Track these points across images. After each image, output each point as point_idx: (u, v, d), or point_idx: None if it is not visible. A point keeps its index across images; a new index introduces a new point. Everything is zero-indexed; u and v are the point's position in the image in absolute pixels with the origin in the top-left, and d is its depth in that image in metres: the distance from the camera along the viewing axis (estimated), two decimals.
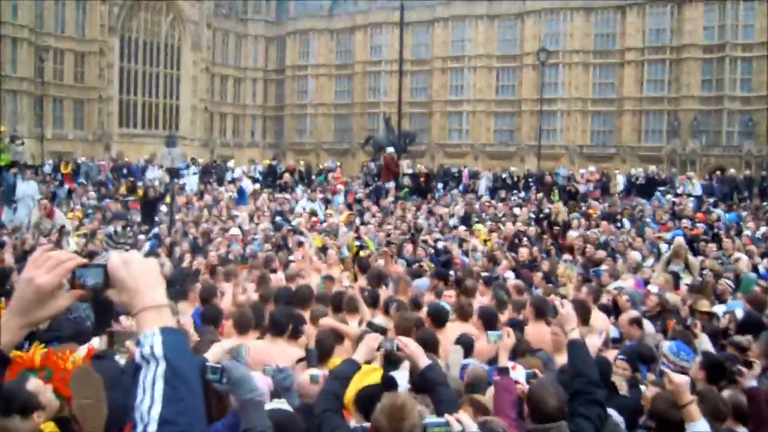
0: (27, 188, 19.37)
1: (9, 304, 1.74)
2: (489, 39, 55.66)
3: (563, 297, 7.82)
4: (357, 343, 4.55)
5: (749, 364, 5.47)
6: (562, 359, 5.14)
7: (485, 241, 15.87)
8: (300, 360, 5.19)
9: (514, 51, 55.00)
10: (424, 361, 4.01)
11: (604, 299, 9.07)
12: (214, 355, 3.82)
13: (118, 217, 18.40)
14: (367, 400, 4.05)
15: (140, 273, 1.64)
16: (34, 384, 3.45)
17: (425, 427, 3.13)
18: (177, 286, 9.07)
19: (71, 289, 1.72)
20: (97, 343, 4.90)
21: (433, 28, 57.31)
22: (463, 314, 7.36)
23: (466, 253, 14.24)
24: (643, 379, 5.68)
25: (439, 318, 6.82)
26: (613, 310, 8.46)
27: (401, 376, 4.77)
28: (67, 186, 25.41)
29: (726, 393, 4.99)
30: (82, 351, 4.26)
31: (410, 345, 4.07)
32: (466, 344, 6.03)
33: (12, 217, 18.01)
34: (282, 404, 3.97)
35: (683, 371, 5.35)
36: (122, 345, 2.81)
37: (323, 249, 13.30)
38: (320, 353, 5.35)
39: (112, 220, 17.79)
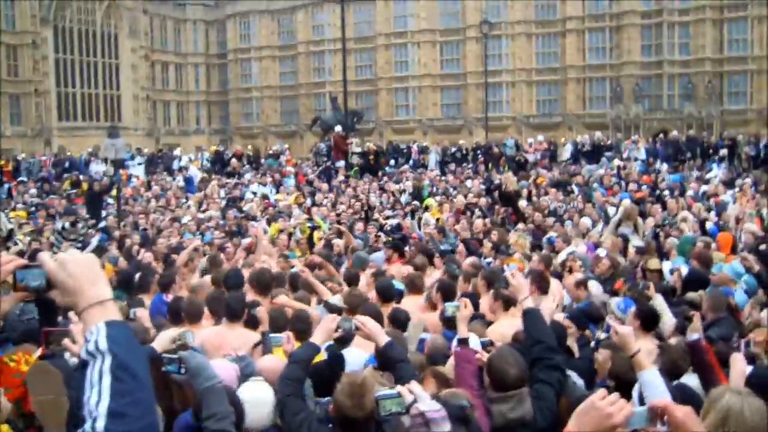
0: None
1: None
2: (431, 13, 55.57)
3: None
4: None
5: (689, 319, 5.69)
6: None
7: (437, 215, 15.96)
8: (257, 344, 5.14)
9: (457, 24, 55.06)
10: (383, 338, 4.01)
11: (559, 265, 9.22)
12: (160, 344, 3.79)
13: (68, 212, 17.96)
14: (316, 378, 4.07)
15: (78, 271, 1.64)
16: None
17: (377, 400, 3.16)
18: (134, 279, 8.91)
19: (14, 291, 1.72)
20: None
21: (374, 5, 56.96)
22: (415, 288, 7.41)
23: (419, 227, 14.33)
24: (593, 337, 5.81)
25: (387, 294, 6.82)
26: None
27: (355, 354, 4.77)
28: (7, 184, 24.71)
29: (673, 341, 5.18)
30: (37, 352, 4.18)
31: (368, 323, 4.07)
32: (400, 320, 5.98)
33: None
34: (259, 381, 3.94)
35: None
36: (58, 344, 2.75)
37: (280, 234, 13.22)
38: (274, 331, 5.31)
39: (61, 216, 17.37)
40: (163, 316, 6.52)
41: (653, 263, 8.63)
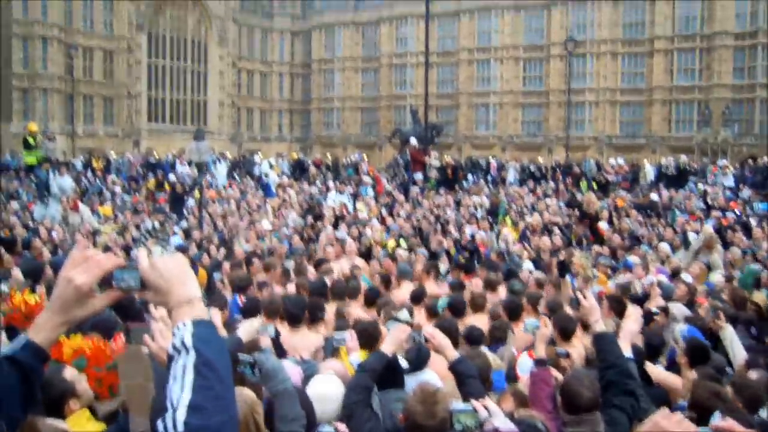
0: (62, 184, 19.67)
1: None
2: (515, 30, 55.24)
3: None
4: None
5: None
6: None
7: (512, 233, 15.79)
8: (320, 348, 5.20)
9: (541, 41, 54.52)
10: (452, 353, 4.00)
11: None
12: (244, 332, 3.87)
13: (157, 211, 18.60)
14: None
15: (169, 272, 1.71)
16: (69, 372, 3.52)
17: (452, 413, 3.14)
18: (212, 278, 9.17)
19: (107, 289, 1.78)
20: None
21: (459, 20, 56.97)
22: (476, 306, 7.38)
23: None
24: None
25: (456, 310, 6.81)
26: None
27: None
28: (98, 181, 25.74)
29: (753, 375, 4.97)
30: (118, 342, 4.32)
31: (438, 336, 4.06)
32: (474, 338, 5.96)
33: (44, 212, 18.28)
34: (329, 376, 3.98)
35: None
36: (139, 340, 2.85)
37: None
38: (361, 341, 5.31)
39: (150, 215, 18.00)
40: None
41: (758, 296, 8.24)
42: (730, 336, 6.14)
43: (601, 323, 4.29)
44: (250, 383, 3.73)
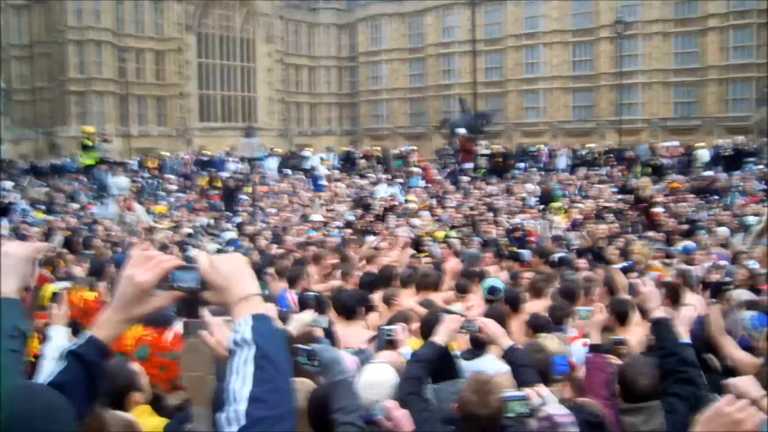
0: (118, 183, 20.18)
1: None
2: (563, 13, 54.30)
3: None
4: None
5: None
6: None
7: (564, 219, 15.57)
8: (371, 339, 5.21)
9: (590, 24, 53.47)
10: (506, 341, 3.99)
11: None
12: (294, 326, 3.91)
13: (212, 208, 18.92)
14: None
15: (228, 270, 1.78)
16: (133, 367, 3.63)
17: (504, 401, 3.14)
18: (263, 272, 9.28)
19: (168, 289, 1.84)
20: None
21: (505, 6, 56.29)
22: (536, 292, 7.32)
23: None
24: None
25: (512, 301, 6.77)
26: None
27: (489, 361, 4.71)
28: (154, 180, 26.30)
29: None
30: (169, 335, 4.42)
31: (491, 326, 4.06)
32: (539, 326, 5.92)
33: (104, 212, 18.76)
34: (381, 364, 4.00)
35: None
36: (195, 334, 2.92)
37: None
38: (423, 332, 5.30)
39: (206, 212, 18.31)
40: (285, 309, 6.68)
41: None
42: None
43: (660, 310, 4.21)
44: (308, 374, 3.78)
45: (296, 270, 8.28)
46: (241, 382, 1.57)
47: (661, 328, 4.12)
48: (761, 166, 22.80)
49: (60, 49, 49.28)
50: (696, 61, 50.54)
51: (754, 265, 8.97)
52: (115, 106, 49.94)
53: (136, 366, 3.70)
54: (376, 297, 6.95)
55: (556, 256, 10.43)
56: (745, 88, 48.92)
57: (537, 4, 54.95)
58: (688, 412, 3.69)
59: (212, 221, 13.16)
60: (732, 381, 3.76)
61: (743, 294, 7.42)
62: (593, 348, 4.19)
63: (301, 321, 4.04)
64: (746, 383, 3.61)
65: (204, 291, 1.81)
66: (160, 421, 3.50)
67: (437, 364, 4.06)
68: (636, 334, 5.45)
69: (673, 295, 6.46)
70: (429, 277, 7.62)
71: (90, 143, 22.94)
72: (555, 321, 6.15)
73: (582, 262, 10.08)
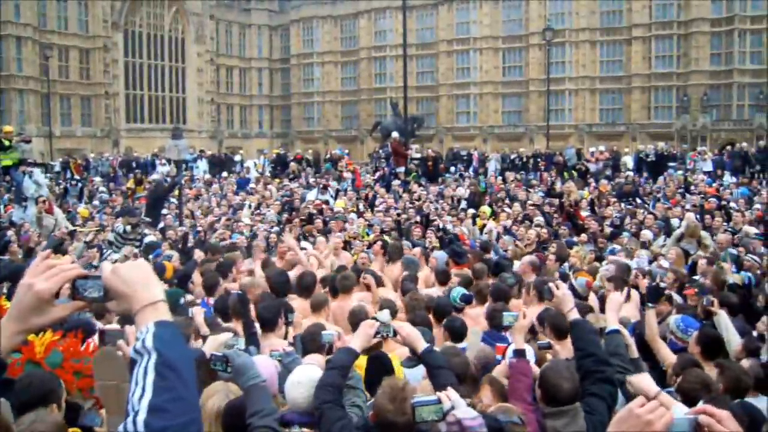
0: (37, 179, 19.47)
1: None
2: (494, 20, 55.30)
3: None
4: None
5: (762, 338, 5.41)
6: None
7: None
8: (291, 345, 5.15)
9: (520, 31, 54.63)
10: (421, 344, 3.96)
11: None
12: (209, 347, 3.84)
13: (125, 212, 18.36)
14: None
15: (132, 277, 1.70)
16: (50, 375, 3.45)
17: (413, 407, 3.04)
18: (189, 277, 9.06)
19: (72, 299, 1.75)
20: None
21: (437, 11, 56.94)
22: (481, 296, 7.34)
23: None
24: None
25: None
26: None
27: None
28: (78, 183, 25.50)
29: (746, 363, 4.92)
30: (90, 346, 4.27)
31: (405, 328, 4.03)
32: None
33: (23, 215, 18.06)
34: (310, 365, 3.93)
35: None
36: (113, 344, 2.82)
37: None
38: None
39: (119, 216, 17.76)
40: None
41: (737, 278, 8.23)
42: (725, 322, 6.11)
43: (575, 312, 4.25)
44: (223, 380, 3.71)
45: (214, 276, 8.09)
46: (141, 392, 1.49)
47: (578, 330, 4.15)
48: (681, 172, 23.59)
49: None
50: (621, 69, 52.11)
51: (665, 264, 9.23)
52: (36, 104, 48.23)
53: (50, 375, 3.52)
54: (297, 304, 6.81)
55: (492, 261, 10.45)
56: (667, 96, 50.69)
57: (469, 11, 55.77)
58: (607, 411, 3.75)
59: (129, 227, 12.75)
60: (630, 378, 3.85)
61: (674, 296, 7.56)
62: (516, 353, 4.18)
63: (216, 341, 3.96)
64: (643, 380, 3.71)
65: (108, 300, 1.74)
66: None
67: (375, 371, 4.04)
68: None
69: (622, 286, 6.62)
70: (348, 280, 7.50)
71: (8, 143, 22.03)
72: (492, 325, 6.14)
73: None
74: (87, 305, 1.78)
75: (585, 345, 4.04)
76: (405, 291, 7.50)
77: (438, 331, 6.11)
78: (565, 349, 5.28)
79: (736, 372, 4.55)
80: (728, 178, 22.44)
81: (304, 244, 11.99)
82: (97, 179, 26.37)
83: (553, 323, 5.48)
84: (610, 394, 3.86)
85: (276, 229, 14.93)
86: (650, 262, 10.14)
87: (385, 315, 6.26)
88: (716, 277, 8.32)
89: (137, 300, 1.67)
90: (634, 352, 4.64)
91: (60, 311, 1.74)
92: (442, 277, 8.48)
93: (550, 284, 4.48)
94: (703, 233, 11.91)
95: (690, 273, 9.47)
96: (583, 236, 13.42)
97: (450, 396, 3.06)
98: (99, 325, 5.27)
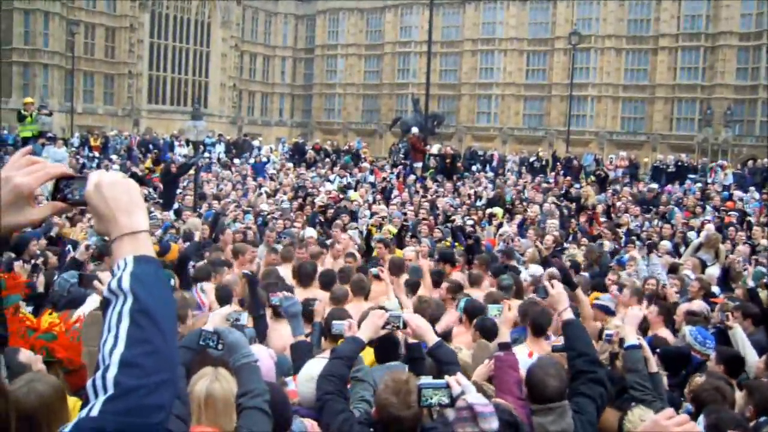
0: (56, 156, 19.53)
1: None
2: (520, 22, 54.97)
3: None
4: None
5: None
6: None
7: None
8: (308, 335, 5.10)
9: (546, 35, 54.28)
10: (432, 338, 3.88)
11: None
12: (213, 321, 3.76)
13: (141, 183, 18.40)
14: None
15: (114, 196, 1.47)
16: (25, 355, 3.36)
17: (420, 389, 2.95)
18: (189, 259, 9.01)
19: (51, 199, 1.57)
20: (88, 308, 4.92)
21: (463, 10, 56.67)
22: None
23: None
24: None
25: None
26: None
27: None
28: (96, 158, 25.61)
29: None
30: (74, 316, 4.27)
31: (416, 320, 3.94)
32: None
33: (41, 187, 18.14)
34: (323, 359, 3.90)
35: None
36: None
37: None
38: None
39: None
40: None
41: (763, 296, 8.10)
42: (741, 336, 6.02)
43: (569, 312, 4.22)
44: (213, 357, 3.63)
45: (205, 269, 8.02)
46: (113, 342, 1.30)
47: (570, 330, 4.12)
48: (699, 184, 23.34)
49: (5, 17, 47.56)
50: (645, 78, 51.67)
51: (688, 273, 9.14)
52: (60, 80, 48.48)
53: (27, 354, 3.42)
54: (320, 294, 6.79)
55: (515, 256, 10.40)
56: (690, 107, 50.20)
57: (495, 11, 55.45)
58: (595, 412, 3.76)
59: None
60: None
61: (701, 305, 7.43)
62: (502, 346, 4.12)
63: (219, 315, 3.88)
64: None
65: (86, 206, 1.52)
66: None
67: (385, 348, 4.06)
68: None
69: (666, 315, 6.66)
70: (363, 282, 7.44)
71: (28, 114, 22.14)
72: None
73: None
74: (68, 208, 1.59)
75: (578, 345, 4.04)
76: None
77: (468, 331, 6.05)
78: (540, 348, 5.26)
79: (766, 393, 4.46)
80: (754, 193, 21.91)
81: (309, 231, 12.03)
82: (114, 157, 26.44)
83: (534, 321, 5.47)
84: (600, 395, 3.85)
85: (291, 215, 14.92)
86: (669, 272, 9.99)
87: (394, 304, 6.22)
88: (746, 290, 8.25)
89: (116, 226, 1.45)
90: (653, 366, 4.57)
91: (38, 212, 1.55)
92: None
93: (545, 283, 4.45)
94: (721, 246, 11.80)
95: (723, 279, 9.49)
96: (601, 241, 13.33)
97: (460, 381, 2.98)
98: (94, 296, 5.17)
